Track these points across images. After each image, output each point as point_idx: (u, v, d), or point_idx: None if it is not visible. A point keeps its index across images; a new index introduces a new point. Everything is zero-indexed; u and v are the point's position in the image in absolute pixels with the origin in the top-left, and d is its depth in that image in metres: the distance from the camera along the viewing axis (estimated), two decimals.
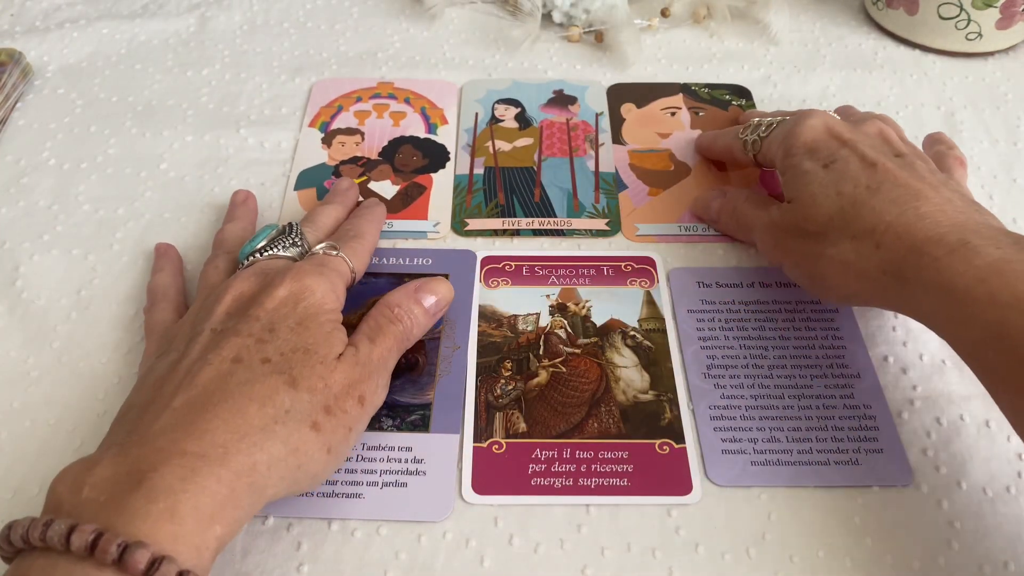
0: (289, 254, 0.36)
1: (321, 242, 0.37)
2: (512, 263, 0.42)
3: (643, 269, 0.42)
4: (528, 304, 0.40)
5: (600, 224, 0.44)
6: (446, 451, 0.34)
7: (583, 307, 0.40)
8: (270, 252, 0.36)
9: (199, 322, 0.33)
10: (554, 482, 0.33)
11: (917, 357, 0.38)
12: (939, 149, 0.40)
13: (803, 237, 0.36)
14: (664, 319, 0.39)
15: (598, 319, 0.39)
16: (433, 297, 0.36)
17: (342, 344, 0.32)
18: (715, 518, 0.32)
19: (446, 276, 0.41)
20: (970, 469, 0.34)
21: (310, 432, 0.29)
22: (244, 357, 0.30)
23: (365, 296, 0.40)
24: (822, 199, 0.35)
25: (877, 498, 0.33)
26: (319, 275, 0.34)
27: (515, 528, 0.32)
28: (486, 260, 0.42)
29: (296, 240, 0.37)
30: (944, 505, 0.33)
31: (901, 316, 0.40)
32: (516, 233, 0.43)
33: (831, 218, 0.34)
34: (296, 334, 0.32)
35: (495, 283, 0.41)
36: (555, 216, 0.44)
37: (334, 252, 0.36)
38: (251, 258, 0.36)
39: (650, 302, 0.40)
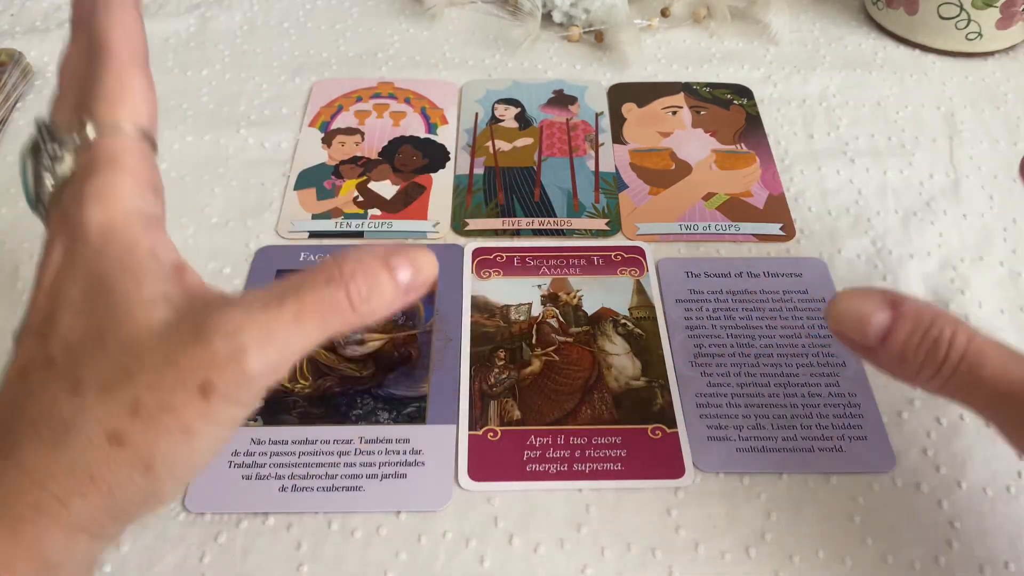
0: (67, 166, 0.25)
1: (74, 114, 0.26)
2: (503, 254, 0.42)
3: (632, 259, 0.42)
4: (520, 294, 0.40)
5: (600, 224, 0.44)
6: (443, 441, 0.35)
7: (574, 296, 0.40)
8: (49, 186, 0.26)
9: None
10: (549, 468, 0.34)
11: None
12: None
13: None
14: (654, 307, 0.40)
15: (589, 308, 0.40)
16: (410, 268, 0.24)
17: (159, 301, 0.23)
18: (715, 518, 0.32)
19: None
20: (970, 469, 0.34)
21: (108, 448, 0.21)
22: (28, 368, 0.23)
23: None
24: None
25: (878, 498, 0.33)
26: (83, 205, 0.24)
27: (515, 528, 0.32)
28: (478, 251, 0.42)
29: (48, 144, 0.26)
30: (944, 505, 0.33)
31: None
32: (516, 233, 0.43)
33: None
34: (83, 314, 0.23)
35: (487, 274, 0.41)
36: (555, 216, 0.44)
37: (88, 132, 0.25)
38: (40, 210, 0.26)
39: (640, 291, 0.40)
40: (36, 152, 0.26)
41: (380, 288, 0.23)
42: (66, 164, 0.25)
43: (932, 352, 0.24)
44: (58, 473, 0.21)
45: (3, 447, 0.22)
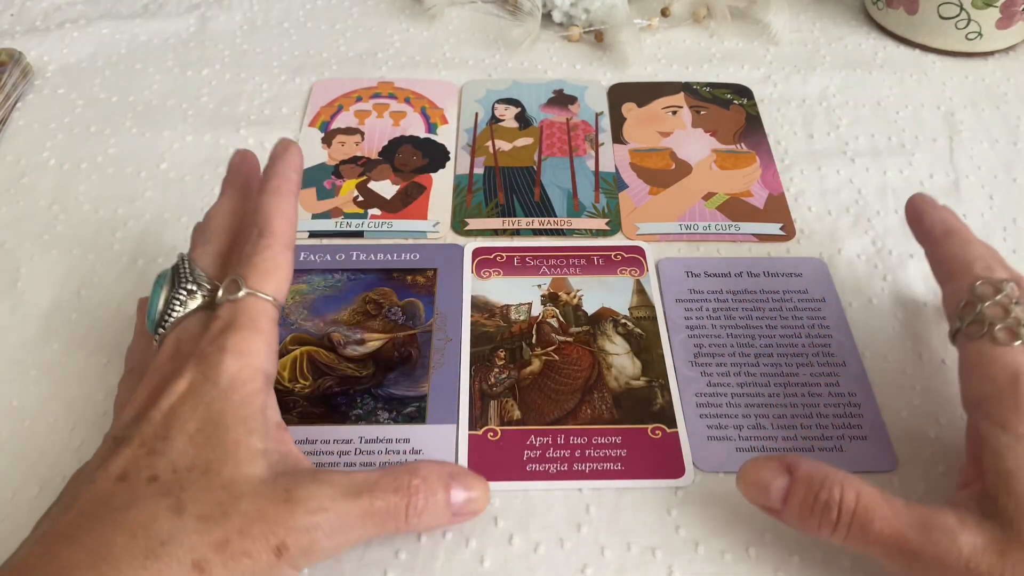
0: (196, 304, 0.30)
1: (218, 266, 0.31)
2: (503, 254, 0.42)
3: (632, 258, 0.42)
4: (520, 294, 0.40)
5: (600, 224, 0.44)
6: (443, 441, 0.35)
7: (574, 296, 0.40)
8: (175, 315, 0.30)
9: (114, 421, 0.29)
10: (549, 468, 0.34)
11: (917, 357, 0.38)
12: None
13: None
14: (654, 307, 0.40)
15: (589, 308, 0.40)
16: (465, 494, 0.29)
17: (260, 456, 0.26)
18: (715, 518, 0.32)
19: (434, 271, 0.41)
20: None
21: (190, 572, 0.24)
22: (130, 474, 0.25)
23: (355, 292, 0.40)
24: None
25: None
26: (223, 353, 0.27)
27: (515, 527, 0.32)
28: (478, 251, 0.42)
29: (188, 282, 0.30)
30: None
31: (901, 315, 0.40)
32: (516, 233, 0.43)
33: None
34: (195, 444, 0.26)
35: (487, 274, 0.41)
36: (555, 216, 0.44)
37: (239, 293, 0.29)
38: (160, 332, 0.30)
39: (640, 291, 0.40)
40: (174, 282, 0.30)
41: (434, 507, 0.28)
42: (197, 301, 0.30)
43: (825, 513, 0.27)
44: None
45: (98, 546, 0.24)
